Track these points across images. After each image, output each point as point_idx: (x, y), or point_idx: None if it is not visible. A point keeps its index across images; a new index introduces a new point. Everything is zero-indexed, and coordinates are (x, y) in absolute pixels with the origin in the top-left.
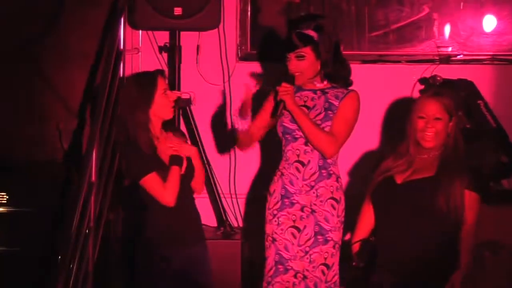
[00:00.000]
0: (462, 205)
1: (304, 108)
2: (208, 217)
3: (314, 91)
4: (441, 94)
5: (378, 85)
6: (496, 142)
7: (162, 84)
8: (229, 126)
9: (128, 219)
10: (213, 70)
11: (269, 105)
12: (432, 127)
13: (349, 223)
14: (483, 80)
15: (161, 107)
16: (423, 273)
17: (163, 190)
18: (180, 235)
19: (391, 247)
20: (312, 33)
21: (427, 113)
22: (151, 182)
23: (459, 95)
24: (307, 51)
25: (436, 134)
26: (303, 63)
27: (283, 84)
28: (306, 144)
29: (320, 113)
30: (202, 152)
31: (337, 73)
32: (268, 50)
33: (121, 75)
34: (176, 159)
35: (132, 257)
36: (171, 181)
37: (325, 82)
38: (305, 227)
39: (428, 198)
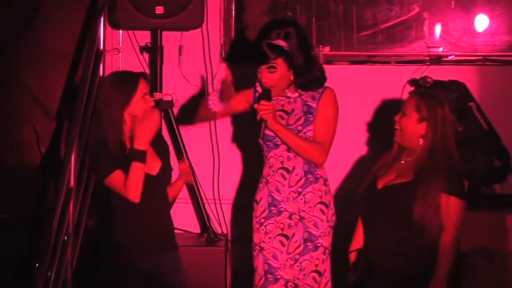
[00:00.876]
0: (438, 211)
1: (282, 120)
2: (191, 223)
3: (269, 101)
4: (425, 94)
5: (366, 86)
6: (488, 146)
7: (143, 88)
8: (213, 129)
9: (97, 224)
10: (196, 71)
11: (243, 97)
12: (398, 121)
13: (339, 228)
14: (475, 81)
15: (137, 110)
16: (404, 282)
17: (126, 186)
18: (149, 241)
19: (375, 255)
20: (282, 43)
21: (402, 107)
22: (114, 180)
23: (450, 97)
24: (278, 63)
25: (401, 131)
26: (275, 75)
27: (262, 102)
28: (288, 150)
29: (300, 118)
30: (184, 155)
31: (310, 80)
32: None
33: (101, 76)
34: (138, 155)
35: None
36: (132, 176)
37: (298, 92)
38: (293, 234)
39: (404, 204)
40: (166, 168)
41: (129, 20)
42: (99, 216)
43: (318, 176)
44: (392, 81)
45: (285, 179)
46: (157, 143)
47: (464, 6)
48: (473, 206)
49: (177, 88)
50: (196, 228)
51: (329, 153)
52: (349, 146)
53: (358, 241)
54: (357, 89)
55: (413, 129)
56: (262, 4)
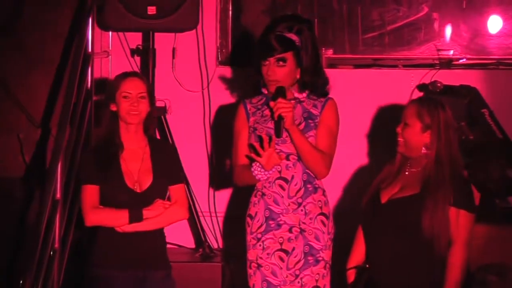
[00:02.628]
0: (447, 225)
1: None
2: (185, 238)
3: (289, 100)
4: (425, 100)
5: (372, 92)
6: (502, 155)
7: (127, 87)
8: (208, 138)
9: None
10: (191, 75)
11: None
12: (401, 133)
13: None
14: (488, 86)
15: (120, 109)
16: None
17: (91, 209)
18: (131, 259)
19: (380, 272)
20: (294, 37)
21: (402, 117)
22: (86, 193)
23: (461, 103)
24: (288, 56)
25: (404, 141)
26: (283, 70)
27: (280, 100)
28: (287, 158)
29: (300, 123)
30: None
31: (317, 83)
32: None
33: (89, 80)
34: (136, 216)
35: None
36: (109, 217)
37: (305, 93)
38: (293, 249)
39: (411, 218)
40: (157, 184)
41: (120, 21)
42: (86, 229)
43: (316, 186)
44: (399, 86)
45: (283, 189)
46: (159, 153)
47: (476, 6)
48: (486, 219)
49: (171, 93)
50: (190, 243)
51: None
52: (352, 155)
53: (356, 257)
54: (362, 94)
55: (418, 139)
56: (261, 4)
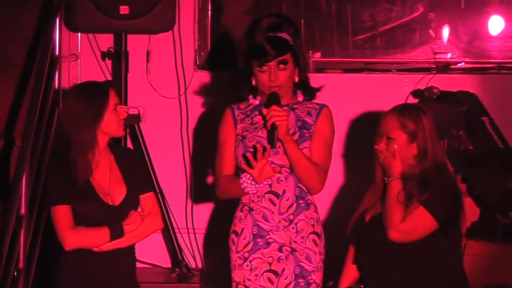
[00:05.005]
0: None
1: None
2: (160, 257)
3: (281, 107)
4: (404, 108)
5: (363, 98)
6: (503, 166)
7: (113, 99)
8: (186, 147)
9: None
10: (167, 80)
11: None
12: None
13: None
14: (489, 92)
15: (110, 124)
16: None
17: (68, 231)
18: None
19: None
20: (287, 36)
21: (380, 130)
22: (59, 214)
23: (459, 111)
24: (288, 58)
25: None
26: (285, 73)
27: (274, 107)
28: (279, 171)
29: (294, 133)
30: (153, 178)
31: (308, 84)
32: (231, 57)
33: (57, 86)
34: (118, 232)
35: None
36: (90, 237)
37: (300, 96)
38: (283, 270)
39: (385, 236)
40: (131, 195)
41: (89, 21)
42: (55, 247)
43: (309, 202)
44: (392, 92)
45: (274, 205)
46: (125, 161)
47: (475, 6)
48: (486, 236)
49: (145, 100)
50: (166, 262)
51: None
52: (341, 167)
53: (348, 277)
54: (352, 101)
55: (406, 152)
56: (243, 3)
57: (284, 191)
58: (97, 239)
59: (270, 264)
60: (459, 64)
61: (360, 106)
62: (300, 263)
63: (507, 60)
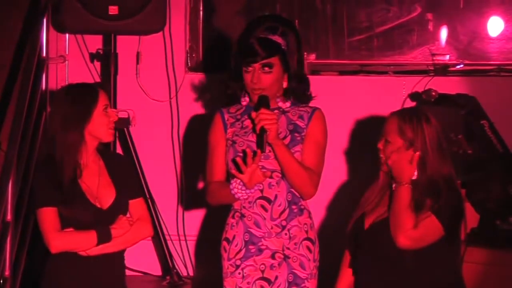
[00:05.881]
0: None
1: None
2: (150, 264)
3: (272, 110)
4: (406, 112)
5: (359, 101)
6: (503, 171)
7: (103, 99)
8: (177, 151)
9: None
10: (157, 82)
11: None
12: (382, 150)
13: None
14: (488, 95)
15: (99, 126)
16: None
17: (54, 233)
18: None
19: None
20: (279, 39)
21: (383, 131)
22: (45, 217)
23: (458, 114)
24: (274, 61)
25: (387, 161)
26: (269, 77)
27: (263, 110)
28: (270, 176)
29: (285, 137)
30: (143, 183)
31: (301, 90)
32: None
33: (44, 88)
34: (105, 236)
35: None
36: (76, 240)
37: (289, 102)
38: (276, 277)
39: (387, 243)
40: (120, 199)
41: (77, 22)
42: (42, 254)
43: (302, 207)
44: (389, 95)
45: (266, 210)
46: (115, 166)
47: (474, 7)
48: (486, 243)
49: (135, 103)
50: (157, 270)
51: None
52: (337, 171)
53: (343, 283)
54: (348, 104)
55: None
56: (236, 3)
57: (276, 197)
58: (84, 242)
59: (262, 271)
60: (457, 66)
61: (356, 110)
62: (294, 271)
63: (507, 62)
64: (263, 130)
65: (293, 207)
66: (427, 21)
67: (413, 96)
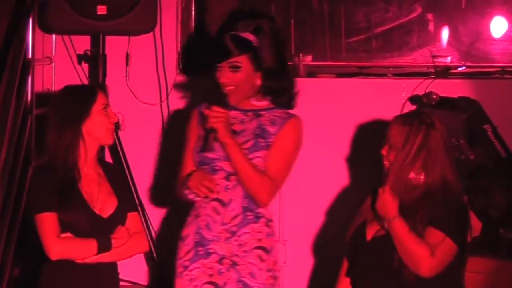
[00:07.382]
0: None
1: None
2: (139, 274)
3: (245, 112)
4: (410, 117)
5: (357, 104)
6: (506, 177)
7: (102, 98)
8: (168, 156)
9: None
10: (147, 85)
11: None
12: (386, 156)
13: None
14: (491, 98)
15: (98, 126)
16: None
17: (55, 239)
18: None
19: None
20: (250, 36)
21: (386, 136)
22: (45, 222)
23: (460, 118)
24: (242, 60)
25: (391, 167)
26: (238, 75)
27: (214, 108)
28: (228, 178)
29: (248, 141)
30: (133, 191)
31: (281, 90)
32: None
33: (30, 91)
34: (105, 245)
35: None
36: (77, 247)
37: (266, 102)
38: (225, 283)
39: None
40: (122, 209)
41: (65, 22)
42: (29, 263)
43: (260, 215)
44: (388, 98)
45: (218, 213)
46: (113, 176)
47: (477, 6)
48: (488, 252)
49: (124, 106)
50: (145, 280)
51: (276, 194)
52: (334, 177)
53: None
54: (345, 107)
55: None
56: (229, 3)
57: (230, 200)
58: (84, 250)
59: (210, 275)
60: (459, 68)
61: (354, 113)
62: (243, 279)
63: (510, 64)
64: (210, 129)
65: (248, 213)
66: (428, 22)
67: (413, 99)
